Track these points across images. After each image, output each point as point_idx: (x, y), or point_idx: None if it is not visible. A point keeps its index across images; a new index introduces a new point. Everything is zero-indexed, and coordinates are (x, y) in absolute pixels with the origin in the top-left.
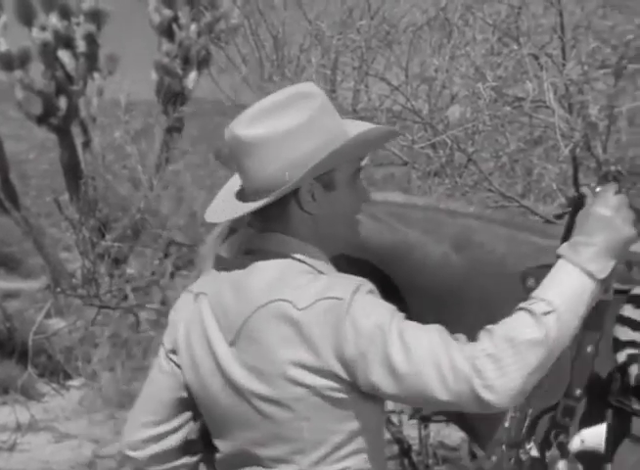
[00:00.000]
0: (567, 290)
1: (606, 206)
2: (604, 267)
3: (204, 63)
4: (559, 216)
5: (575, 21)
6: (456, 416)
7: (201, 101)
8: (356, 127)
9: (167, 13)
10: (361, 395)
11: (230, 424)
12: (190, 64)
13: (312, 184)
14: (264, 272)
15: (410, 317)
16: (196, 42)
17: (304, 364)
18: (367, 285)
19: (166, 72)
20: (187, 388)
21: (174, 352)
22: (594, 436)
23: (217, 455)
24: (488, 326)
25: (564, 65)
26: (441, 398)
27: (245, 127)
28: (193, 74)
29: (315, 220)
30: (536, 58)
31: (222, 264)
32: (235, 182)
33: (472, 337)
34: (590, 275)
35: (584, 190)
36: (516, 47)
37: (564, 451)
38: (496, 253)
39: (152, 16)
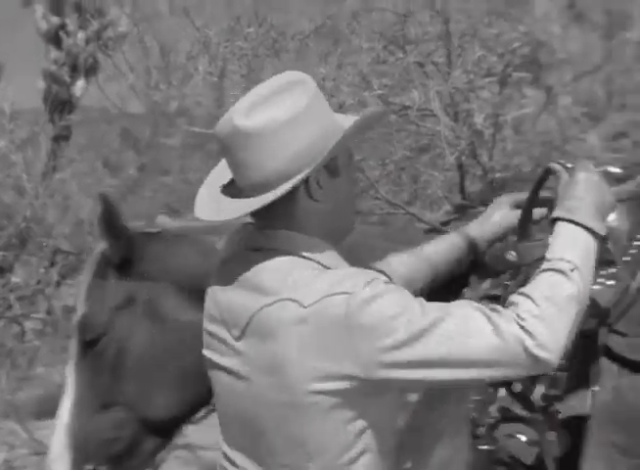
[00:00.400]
0: (579, 247)
1: (590, 171)
2: (601, 226)
3: (91, 70)
4: (445, 223)
5: (461, 29)
6: None
7: (88, 109)
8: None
9: (55, 20)
10: (371, 392)
11: (232, 423)
12: (78, 71)
13: (319, 171)
14: (271, 270)
15: None
16: (84, 50)
17: (315, 367)
18: (382, 277)
19: (54, 80)
20: None
21: None
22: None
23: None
24: (522, 289)
25: (449, 73)
26: (498, 368)
27: (243, 118)
28: (80, 82)
29: (322, 210)
30: (422, 66)
31: (224, 260)
32: (217, 178)
33: None
34: (593, 233)
35: (554, 166)
36: (402, 55)
37: (553, 422)
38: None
39: (39, 23)
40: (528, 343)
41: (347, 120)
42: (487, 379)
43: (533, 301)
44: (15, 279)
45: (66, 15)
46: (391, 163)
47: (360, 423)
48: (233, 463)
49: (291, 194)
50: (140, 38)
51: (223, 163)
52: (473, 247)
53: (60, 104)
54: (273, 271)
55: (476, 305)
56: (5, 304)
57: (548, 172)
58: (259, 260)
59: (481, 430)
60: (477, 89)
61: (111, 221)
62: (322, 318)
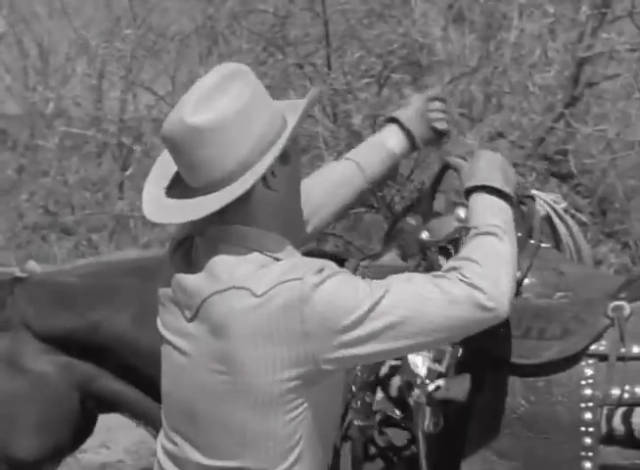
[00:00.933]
0: (499, 212)
1: (492, 151)
2: (511, 194)
3: None
4: None
5: (341, 30)
6: None
7: None
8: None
9: None
10: (317, 378)
11: (174, 402)
12: None
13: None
14: (226, 259)
15: None
16: None
17: (268, 353)
18: (331, 264)
19: None
20: None
21: None
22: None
23: (167, 445)
24: (459, 254)
25: (329, 74)
26: (458, 329)
27: (193, 115)
28: None
29: (276, 199)
30: (301, 67)
31: (180, 242)
32: (159, 179)
33: None
34: (506, 197)
35: (452, 159)
36: (281, 57)
37: (430, 398)
38: None
39: None
40: (480, 297)
41: (285, 105)
42: (447, 341)
43: (474, 261)
44: None
45: None
46: None
47: (302, 411)
48: (174, 443)
49: (244, 197)
50: (17, 39)
51: (161, 163)
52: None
53: None
54: (227, 260)
55: (422, 276)
56: None
57: (447, 167)
58: (215, 249)
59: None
60: (355, 90)
61: None
62: (276, 305)
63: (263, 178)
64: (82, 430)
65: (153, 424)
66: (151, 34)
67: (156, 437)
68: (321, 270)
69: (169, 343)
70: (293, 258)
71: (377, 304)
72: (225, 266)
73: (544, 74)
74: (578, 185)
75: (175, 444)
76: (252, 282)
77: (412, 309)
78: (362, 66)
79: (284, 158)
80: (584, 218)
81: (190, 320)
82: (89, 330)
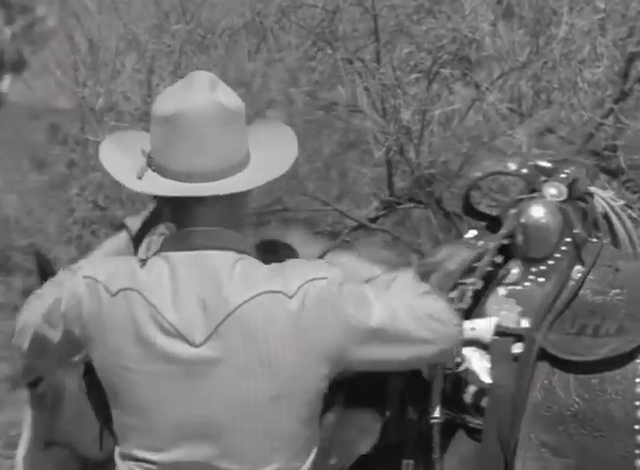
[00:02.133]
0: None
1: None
2: None
3: (18, 66)
4: (373, 220)
5: (390, 25)
6: None
7: (14, 105)
8: None
9: None
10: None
11: (182, 432)
12: (4, 67)
13: None
14: (231, 268)
15: None
16: (10, 46)
17: (310, 351)
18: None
19: None
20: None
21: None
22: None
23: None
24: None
25: (378, 69)
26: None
27: (221, 96)
28: (7, 78)
29: (243, 210)
30: (350, 62)
31: (155, 263)
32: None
33: None
34: None
35: None
36: (330, 52)
37: None
38: None
39: None
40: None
41: None
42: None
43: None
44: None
45: None
46: (319, 159)
47: (319, 411)
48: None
49: (240, 196)
50: (68, 35)
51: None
52: None
53: None
54: (233, 269)
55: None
56: None
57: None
58: (210, 262)
59: None
60: (404, 85)
61: (45, 276)
62: (310, 303)
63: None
64: None
65: None
66: (199, 30)
67: None
68: (334, 270)
69: (160, 375)
70: (296, 260)
71: (393, 304)
72: (234, 275)
73: (594, 70)
74: (628, 181)
75: None
76: (277, 284)
77: (423, 319)
78: (411, 61)
79: None
80: (634, 214)
81: (202, 344)
82: None
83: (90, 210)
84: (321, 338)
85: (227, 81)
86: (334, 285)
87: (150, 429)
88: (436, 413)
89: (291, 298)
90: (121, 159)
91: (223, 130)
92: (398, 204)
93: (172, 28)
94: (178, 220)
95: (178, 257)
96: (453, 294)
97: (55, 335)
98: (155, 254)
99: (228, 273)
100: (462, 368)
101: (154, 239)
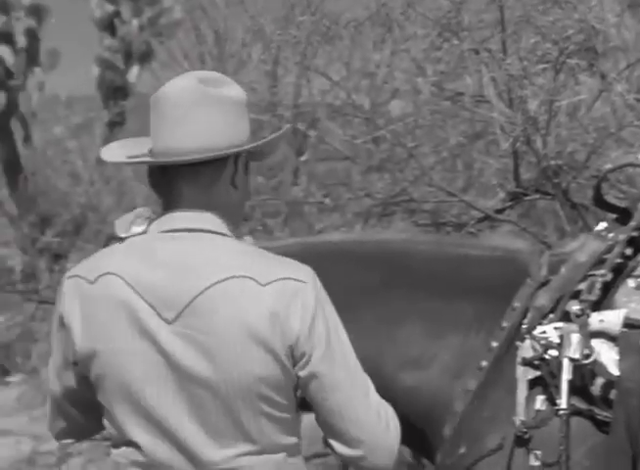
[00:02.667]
0: None
1: None
2: None
3: (145, 57)
4: (499, 211)
5: (516, 16)
6: None
7: (142, 95)
8: None
9: (109, 8)
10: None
11: (168, 418)
12: (132, 58)
13: (246, 159)
14: (208, 250)
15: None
16: (137, 37)
17: (264, 341)
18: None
19: (108, 67)
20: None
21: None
22: (613, 317)
23: (136, 457)
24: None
25: (504, 59)
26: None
27: (206, 86)
28: (135, 69)
29: (233, 198)
30: (477, 53)
31: (134, 243)
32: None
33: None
34: None
35: None
36: (456, 42)
37: (582, 325)
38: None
39: (94, 11)
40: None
41: None
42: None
43: None
44: (70, 266)
45: (120, 2)
46: (445, 149)
47: (292, 415)
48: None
49: (221, 168)
50: (194, 26)
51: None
52: None
53: (114, 90)
54: (212, 250)
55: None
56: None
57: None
58: (190, 242)
59: None
60: (531, 76)
61: None
62: (279, 297)
63: (234, 173)
64: None
65: None
66: (325, 21)
67: None
68: (315, 276)
69: (138, 352)
70: (279, 257)
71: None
72: (210, 257)
73: None
74: None
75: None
76: (253, 272)
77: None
78: (538, 51)
79: (246, 167)
80: None
81: (174, 320)
82: None
83: None
84: (284, 328)
85: (352, 72)
86: (309, 292)
87: (134, 409)
88: (564, 405)
89: (263, 285)
90: (124, 147)
91: (203, 112)
92: (525, 195)
93: (298, 20)
94: (164, 203)
95: (157, 237)
96: (582, 285)
97: (70, 377)
98: (136, 235)
99: (203, 255)
100: (590, 360)
101: (137, 221)
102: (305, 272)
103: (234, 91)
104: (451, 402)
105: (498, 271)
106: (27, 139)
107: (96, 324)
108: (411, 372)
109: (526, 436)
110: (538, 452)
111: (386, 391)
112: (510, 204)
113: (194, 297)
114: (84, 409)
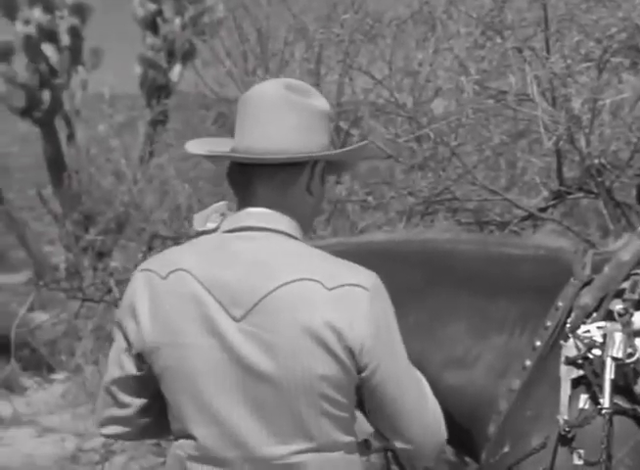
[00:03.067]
0: None
1: None
2: None
3: (188, 56)
4: (543, 210)
5: (559, 14)
6: None
7: (185, 94)
8: None
9: (152, 7)
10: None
11: (229, 413)
12: (174, 57)
13: (319, 172)
14: (281, 250)
15: None
16: (180, 36)
17: (327, 343)
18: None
19: (151, 66)
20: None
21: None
22: None
23: (194, 451)
24: None
25: (547, 58)
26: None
27: (292, 93)
28: (177, 68)
29: (308, 205)
30: (520, 51)
31: (206, 241)
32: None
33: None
34: None
35: None
36: (499, 41)
37: (625, 324)
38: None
39: (136, 10)
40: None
41: None
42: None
43: None
44: (113, 264)
45: (162, 1)
46: (488, 148)
47: (350, 411)
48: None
49: (299, 172)
50: (237, 25)
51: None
52: None
53: (157, 89)
54: (283, 252)
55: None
56: (104, 287)
57: None
58: (261, 242)
59: None
60: (575, 74)
61: None
62: (345, 303)
63: (310, 180)
64: None
65: None
66: (368, 19)
67: None
68: (378, 281)
69: (206, 348)
70: (346, 261)
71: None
72: (281, 257)
73: None
74: None
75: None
76: (318, 275)
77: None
78: (581, 49)
79: (322, 177)
80: None
81: (242, 318)
82: None
83: None
84: (347, 334)
85: (394, 70)
86: (367, 299)
87: (196, 403)
88: (607, 404)
89: (329, 290)
90: (208, 143)
91: (283, 116)
92: (568, 193)
93: (341, 18)
94: (239, 201)
95: (230, 236)
96: (626, 284)
97: (131, 366)
98: (210, 232)
99: (274, 255)
100: (633, 359)
101: (212, 216)
102: (371, 279)
103: (318, 101)
104: (496, 402)
105: (542, 270)
106: (71, 137)
107: (165, 318)
108: (456, 371)
109: (570, 435)
110: (581, 451)
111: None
112: (553, 202)
113: (263, 296)
114: (136, 398)
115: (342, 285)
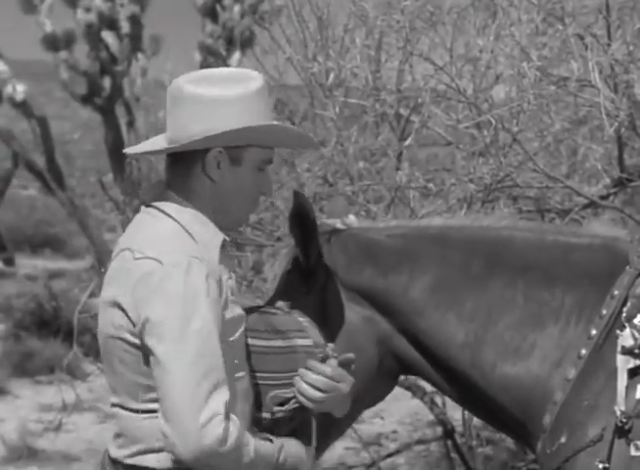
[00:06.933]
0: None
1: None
2: None
3: (247, 43)
4: (604, 197)
5: (620, 1)
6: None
7: None
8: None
9: None
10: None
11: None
12: (233, 44)
13: (220, 153)
14: (142, 225)
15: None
16: (239, 23)
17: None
18: (203, 265)
19: (210, 53)
20: None
21: None
22: None
23: None
24: None
25: (609, 44)
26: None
27: (188, 84)
28: (237, 55)
29: (214, 189)
30: (581, 38)
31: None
32: None
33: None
34: None
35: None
36: (561, 27)
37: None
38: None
39: None
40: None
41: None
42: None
43: None
44: None
45: None
46: (549, 135)
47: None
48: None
49: (193, 161)
50: (297, 12)
51: None
52: None
53: None
54: (141, 227)
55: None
56: None
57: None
58: (147, 216)
59: None
60: (637, 60)
61: (303, 219)
62: (138, 273)
63: (203, 166)
64: (379, 387)
65: (445, 394)
66: (429, 6)
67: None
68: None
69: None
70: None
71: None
72: (145, 235)
73: None
74: None
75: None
76: (141, 245)
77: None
78: None
79: (234, 159)
80: None
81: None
82: (387, 291)
83: (319, 185)
84: (131, 298)
85: (455, 57)
86: (159, 274)
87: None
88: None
89: (134, 259)
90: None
91: (177, 109)
92: (629, 181)
93: (401, 5)
94: None
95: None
96: None
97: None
98: None
99: (137, 229)
100: None
101: None
102: (175, 256)
103: (218, 90)
104: (551, 391)
105: (597, 259)
106: (131, 124)
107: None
108: (511, 360)
109: (627, 426)
110: (639, 443)
111: (484, 378)
112: (614, 190)
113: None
114: None
115: (144, 257)
